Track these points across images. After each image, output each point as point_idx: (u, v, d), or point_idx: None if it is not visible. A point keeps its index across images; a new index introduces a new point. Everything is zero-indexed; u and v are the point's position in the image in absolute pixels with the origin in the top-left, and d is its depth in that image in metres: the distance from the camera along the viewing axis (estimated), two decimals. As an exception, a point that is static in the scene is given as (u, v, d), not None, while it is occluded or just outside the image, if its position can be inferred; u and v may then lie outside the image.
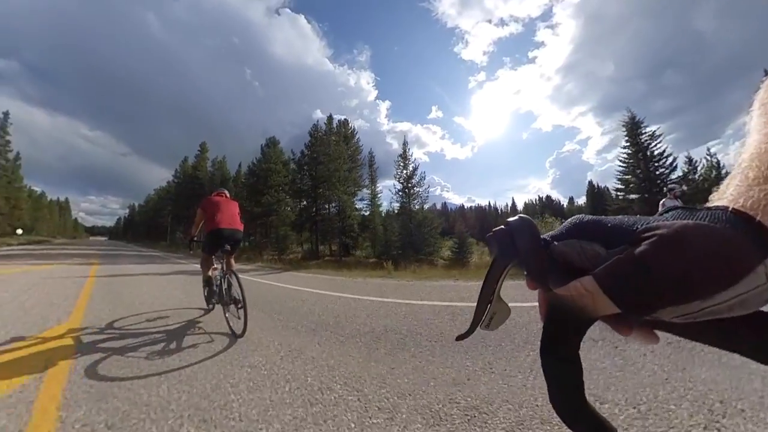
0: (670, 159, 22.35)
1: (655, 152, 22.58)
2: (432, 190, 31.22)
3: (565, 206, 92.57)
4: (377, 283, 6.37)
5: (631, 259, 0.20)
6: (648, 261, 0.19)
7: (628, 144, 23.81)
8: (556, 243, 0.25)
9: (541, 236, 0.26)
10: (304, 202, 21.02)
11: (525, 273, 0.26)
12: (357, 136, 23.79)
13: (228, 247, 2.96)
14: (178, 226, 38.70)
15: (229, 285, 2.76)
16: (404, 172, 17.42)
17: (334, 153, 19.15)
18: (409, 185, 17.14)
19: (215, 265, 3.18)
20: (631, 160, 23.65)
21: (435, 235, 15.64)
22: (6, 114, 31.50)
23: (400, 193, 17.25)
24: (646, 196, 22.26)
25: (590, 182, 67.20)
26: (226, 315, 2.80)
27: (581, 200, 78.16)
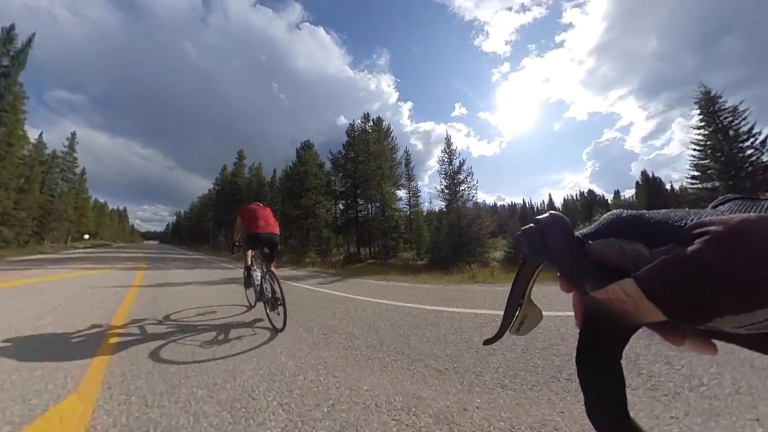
0: (762, 137, 18.93)
1: (740, 130, 19.29)
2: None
3: (610, 201, 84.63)
4: (471, 291, 5.30)
5: (680, 260, 0.17)
6: (701, 262, 0.16)
7: (703, 124, 20.66)
8: (591, 242, 0.23)
9: (575, 234, 0.24)
10: (341, 204, 20.57)
11: (558, 274, 0.24)
12: (392, 134, 23.00)
13: (267, 251, 3.22)
14: (219, 230, 40.65)
15: (270, 285, 3.00)
16: (449, 167, 16.25)
17: (375, 150, 18.53)
18: (456, 180, 15.94)
19: (255, 267, 3.44)
20: (708, 142, 20.46)
21: (485, 235, 14.45)
22: (73, 134, 34.95)
23: (446, 191, 16.09)
24: (731, 183, 19.10)
25: (644, 172, 60.23)
26: (267, 312, 3.02)
27: (628, 193, 70.51)
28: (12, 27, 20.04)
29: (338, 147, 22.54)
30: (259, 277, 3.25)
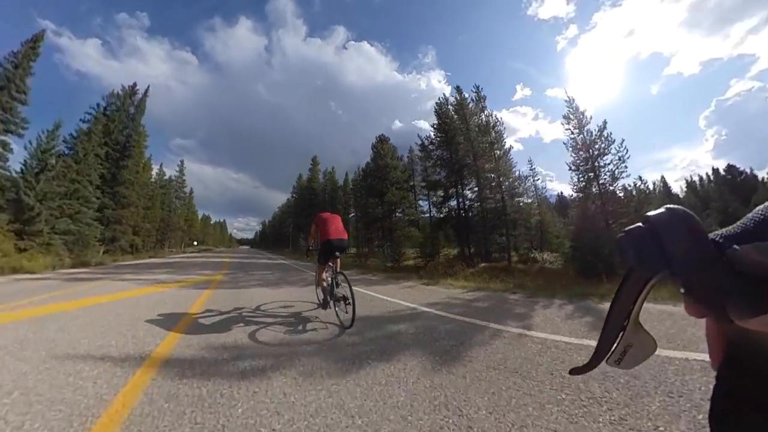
0: None
1: None
2: (537, 181, 24.00)
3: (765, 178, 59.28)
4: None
5: None
6: None
7: None
8: (737, 247, 0.16)
9: (710, 236, 0.18)
10: (437, 197, 17.36)
11: (682, 291, 0.18)
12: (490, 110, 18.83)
13: (337, 254, 3.62)
14: (299, 233, 42.84)
15: (338, 284, 3.37)
16: (581, 136, 11.69)
17: (475, 126, 15.24)
18: (592, 153, 11.26)
19: (327, 269, 3.72)
20: None
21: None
22: (181, 162, 43.36)
23: (580, 169, 11.59)
24: None
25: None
26: (336, 309, 3.40)
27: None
28: (134, 84, 25.32)
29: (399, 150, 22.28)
30: (330, 278, 3.55)
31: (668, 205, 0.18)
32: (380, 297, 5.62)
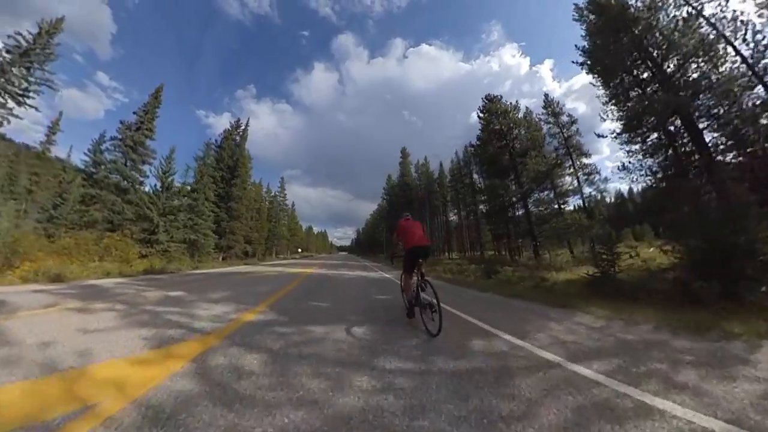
0: None
1: None
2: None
3: None
4: None
5: None
6: None
7: None
8: None
9: None
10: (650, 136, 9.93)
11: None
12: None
13: (421, 260, 3.58)
14: (392, 236, 41.63)
15: (423, 290, 3.36)
16: None
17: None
18: None
19: (413, 276, 3.67)
20: None
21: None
22: (282, 179, 48.59)
23: None
24: None
25: None
26: (423, 317, 3.25)
27: None
28: (238, 120, 30.60)
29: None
30: (416, 285, 3.52)
31: None
32: None
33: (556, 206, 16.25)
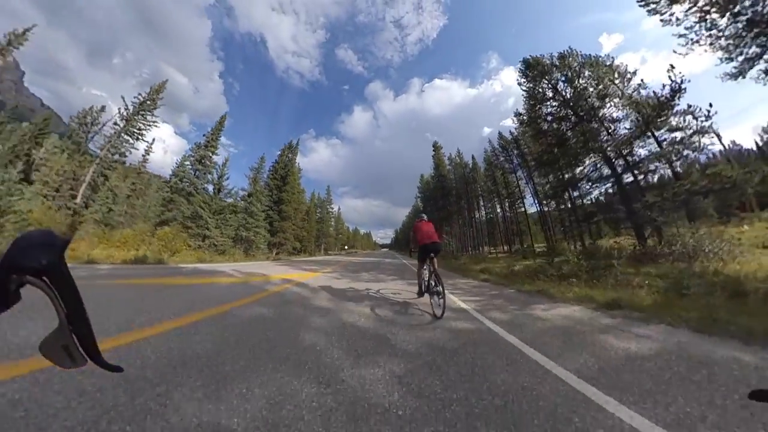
0: None
1: None
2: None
3: None
4: None
5: None
6: None
7: None
8: None
9: None
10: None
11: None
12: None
13: (432, 255, 4.34)
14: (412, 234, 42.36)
15: (434, 281, 4.06)
16: None
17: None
18: None
19: (425, 267, 4.58)
20: None
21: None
22: (328, 188, 52.40)
23: None
24: None
25: None
26: (431, 301, 4.07)
27: None
28: (290, 142, 34.83)
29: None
30: (427, 274, 4.38)
31: None
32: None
33: (668, 167, 11.31)
